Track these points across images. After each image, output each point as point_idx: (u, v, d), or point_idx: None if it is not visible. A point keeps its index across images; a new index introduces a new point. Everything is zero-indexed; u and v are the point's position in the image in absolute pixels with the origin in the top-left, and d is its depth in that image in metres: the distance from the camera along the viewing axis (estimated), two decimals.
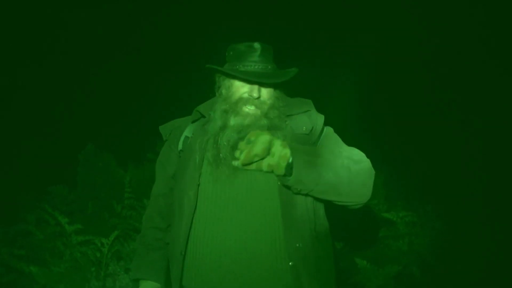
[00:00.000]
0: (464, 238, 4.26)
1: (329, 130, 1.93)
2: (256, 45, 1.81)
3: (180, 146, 1.91)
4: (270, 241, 1.67)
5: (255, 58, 1.79)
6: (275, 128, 1.78)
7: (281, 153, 1.59)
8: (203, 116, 1.89)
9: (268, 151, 1.58)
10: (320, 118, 1.90)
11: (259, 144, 1.57)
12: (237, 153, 1.61)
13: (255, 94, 1.78)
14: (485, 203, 4.98)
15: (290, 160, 1.58)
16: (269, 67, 1.81)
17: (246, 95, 1.79)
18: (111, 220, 4.11)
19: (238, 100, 1.79)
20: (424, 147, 6.61)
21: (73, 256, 3.29)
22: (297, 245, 1.67)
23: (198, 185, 1.76)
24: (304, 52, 7.56)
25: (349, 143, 1.90)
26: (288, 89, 1.93)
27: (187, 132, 1.92)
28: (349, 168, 1.66)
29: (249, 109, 1.78)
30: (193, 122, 1.92)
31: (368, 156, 1.80)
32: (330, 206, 1.82)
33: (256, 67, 1.79)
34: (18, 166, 5.82)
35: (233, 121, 1.77)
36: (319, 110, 1.96)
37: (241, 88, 1.80)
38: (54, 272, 3.16)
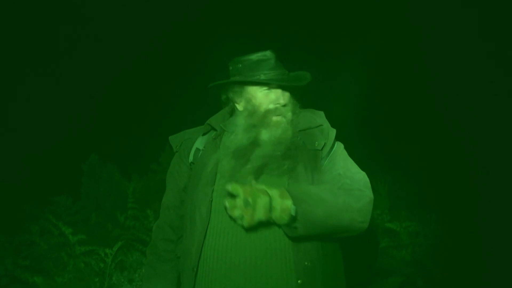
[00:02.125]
0: (468, 248, 4.24)
1: (339, 146, 1.89)
2: (269, 53, 1.80)
3: (191, 158, 1.88)
4: (279, 259, 1.68)
5: (271, 66, 1.78)
6: (294, 139, 1.79)
7: (282, 205, 1.53)
8: (214, 129, 1.88)
9: (270, 212, 1.53)
10: (332, 133, 1.87)
11: (260, 210, 1.50)
12: (234, 212, 1.50)
13: (283, 101, 1.78)
14: (490, 213, 4.97)
15: (293, 213, 1.54)
16: (285, 73, 1.81)
17: (272, 105, 1.78)
18: (114, 230, 4.11)
19: (265, 111, 1.78)
20: (429, 156, 6.60)
21: (76, 266, 3.30)
22: (306, 263, 1.68)
23: (211, 200, 1.74)
24: (304, 53, 7.59)
25: (352, 153, 1.91)
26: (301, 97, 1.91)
27: (198, 144, 1.90)
28: (351, 206, 1.66)
29: (277, 118, 1.77)
30: (203, 134, 1.91)
31: (371, 166, 1.82)
32: None
33: (276, 74, 1.78)
34: (22, 176, 5.85)
35: (265, 134, 1.76)
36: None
37: (266, 98, 1.78)
38: (58, 282, 3.16)
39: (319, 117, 1.91)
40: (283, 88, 1.79)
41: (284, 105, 1.78)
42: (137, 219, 4.22)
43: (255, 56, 1.80)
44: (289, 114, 1.80)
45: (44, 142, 6.88)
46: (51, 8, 7.50)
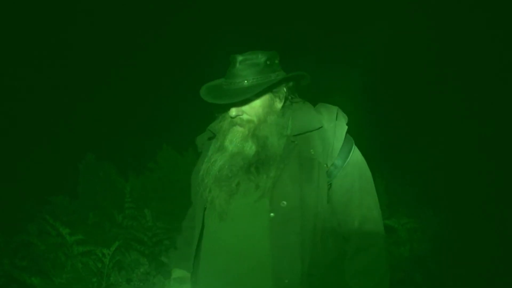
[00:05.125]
0: (466, 243, 4.25)
1: (357, 158, 1.72)
2: (237, 57, 1.68)
3: None
4: (259, 273, 1.66)
5: (233, 72, 1.68)
6: (266, 149, 1.68)
7: None
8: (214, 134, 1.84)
9: None
10: (339, 137, 1.70)
11: None
12: None
13: (233, 113, 1.69)
14: (487, 208, 4.97)
15: None
16: (246, 81, 1.66)
17: (232, 114, 1.71)
18: (112, 230, 4.11)
19: (226, 119, 1.74)
20: (426, 152, 6.61)
21: (74, 266, 3.28)
22: (286, 281, 1.61)
23: (205, 207, 1.76)
24: (307, 49, 7.56)
25: None
26: (301, 93, 1.79)
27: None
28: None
29: (237, 128, 1.71)
30: (209, 139, 1.89)
31: (369, 162, 1.74)
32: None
33: (230, 83, 1.68)
34: (19, 176, 5.83)
35: (228, 144, 1.72)
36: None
37: (226, 107, 1.72)
38: (56, 283, 3.15)
39: (326, 115, 1.74)
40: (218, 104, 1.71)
41: (235, 116, 1.70)
42: (134, 219, 4.20)
43: (230, 59, 1.72)
44: (251, 125, 1.69)
45: (41, 142, 6.86)
46: (49, 8, 7.48)
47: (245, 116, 1.70)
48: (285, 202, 1.63)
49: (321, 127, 1.71)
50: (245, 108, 1.70)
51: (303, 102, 1.79)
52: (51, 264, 3.48)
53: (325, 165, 1.67)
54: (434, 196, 5.28)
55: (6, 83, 7.21)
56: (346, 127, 1.72)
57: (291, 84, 1.75)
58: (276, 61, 1.72)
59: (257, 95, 1.67)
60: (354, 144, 1.73)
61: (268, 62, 1.68)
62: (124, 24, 8.08)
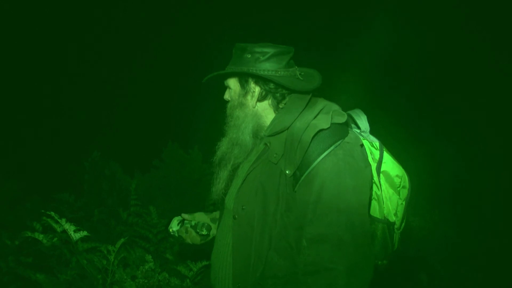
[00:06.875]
0: (472, 243, 4.23)
1: (325, 166, 1.45)
2: (235, 46, 1.67)
3: None
4: (223, 275, 1.69)
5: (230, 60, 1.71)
6: (232, 146, 1.68)
7: None
8: None
9: None
10: (306, 137, 1.47)
11: None
12: None
13: (226, 96, 1.76)
14: (493, 208, 4.95)
15: None
16: (226, 68, 1.68)
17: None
18: (117, 227, 4.11)
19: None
20: (432, 151, 6.58)
21: (79, 263, 3.28)
22: (239, 285, 1.59)
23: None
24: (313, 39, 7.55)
25: None
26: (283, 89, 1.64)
27: None
28: None
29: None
30: None
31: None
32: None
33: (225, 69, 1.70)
34: (24, 173, 5.85)
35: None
36: None
37: None
38: (61, 279, 3.15)
39: (306, 115, 1.56)
40: (224, 81, 1.74)
41: (228, 102, 1.74)
42: (140, 216, 4.21)
43: None
44: (227, 111, 1.72)
45: (47, 139, 6.89)
46: (60, 10, 7.52)
47: (229, 104, 1.75)
48: (245, 207, 1.58)
49: (286, 128, 1.55)
50: (228, 96, 1.74)
51: (296, 100, 1.62)
52: (56, 261, 3.48)
53: (286, 172, 1.48)
54: (440, 195, 5.27)
55: (15, 82, 7.24)
56: (318, 128, 1.47)
57: (268, 82, 1.63)
58: (263, 57, 1.59)
59: (212, 79, 1.68)
60: (333, 148, 1.46)
61: (250, 55, 1.61)
62: (130, 24, 8.10)
